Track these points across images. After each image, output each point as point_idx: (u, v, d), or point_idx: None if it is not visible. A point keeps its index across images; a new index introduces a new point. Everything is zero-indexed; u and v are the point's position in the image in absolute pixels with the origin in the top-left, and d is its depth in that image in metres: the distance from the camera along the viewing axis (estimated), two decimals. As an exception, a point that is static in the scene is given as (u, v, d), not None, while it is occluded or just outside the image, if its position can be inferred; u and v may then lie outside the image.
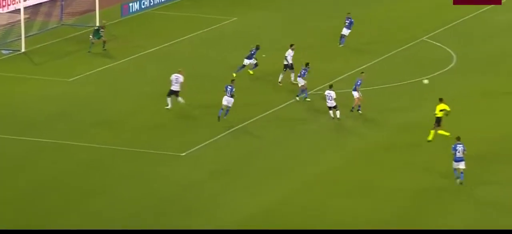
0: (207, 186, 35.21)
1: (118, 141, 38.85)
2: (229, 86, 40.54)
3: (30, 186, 35.10)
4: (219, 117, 40.18)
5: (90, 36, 49.90)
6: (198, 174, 36.10)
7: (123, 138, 39.23)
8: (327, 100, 40.36)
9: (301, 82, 42.66)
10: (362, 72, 42.50)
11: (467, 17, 55.42)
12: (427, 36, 52.22)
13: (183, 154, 37.66)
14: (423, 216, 32.92)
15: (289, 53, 44.80)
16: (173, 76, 42.11)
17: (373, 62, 47.80)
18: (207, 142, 38.59)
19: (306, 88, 42.73)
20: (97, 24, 52.60)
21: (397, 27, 53.32)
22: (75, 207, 33.57)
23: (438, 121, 37.98)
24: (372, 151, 37.81)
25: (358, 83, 41.16)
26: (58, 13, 54.85)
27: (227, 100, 40.29)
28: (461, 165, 34.43)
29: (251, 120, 40.86)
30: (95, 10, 54.06)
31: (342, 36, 49.94)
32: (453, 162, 34.60)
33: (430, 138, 37.97)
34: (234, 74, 44.79)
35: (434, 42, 51.42)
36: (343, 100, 41.97)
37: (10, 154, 37.88)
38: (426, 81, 42.34)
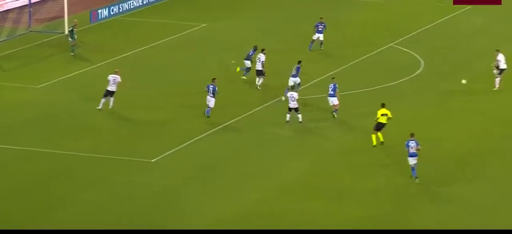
0: (177, 192, 34.80)
1: (87, 147, 38.34)
2: (211, 86, 40.58)
3: (5, 192, 34.46)
4: (207, 116, 40.63)
5: (69, 39, 49.24)
6: (167, 180, 35.68)
7: (91, 144, 38.72)
8: (290, 102, 40.07)
9: (294, 81, 42.41)
10: (333, 78, 42.37)
11: (435, 23, 55.56)
12: (395, 42, 52.24)
13: (153, 161, 37.24)
14: (397, 216, 32.78)
15: (261, 58, 44.48)
16: (110, 77, 41.90)
17: (341, 67, 47.66)
18: (178, 148, 38.21)
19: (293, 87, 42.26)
20: (66, 31, 52.10)
21: (365, 34, 53.30)
22: (43, 215, 32.99)
23: (379, 126, 38.06)
24: (344, 154, 37.63)
25: (334, 88, 40.94)
26: (26, 20, 54.27)
27: (208, 100, 40.55)
28: (413, 161, 34.86)
29: (223, 125, 40.55)
30: (63, 16, 53.56)
31: (312, 41, 49.78)
32: (409, 158, 34.90)
33: (374, 143, 38.09)
34: (244, 77, 45.08)
35: (402, 48, 51.44)
36: (319, 104, 41.74)
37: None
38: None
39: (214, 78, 41.25)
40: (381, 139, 38.16)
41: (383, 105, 38.66)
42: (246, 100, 43.02)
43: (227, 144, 38.95)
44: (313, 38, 49.79)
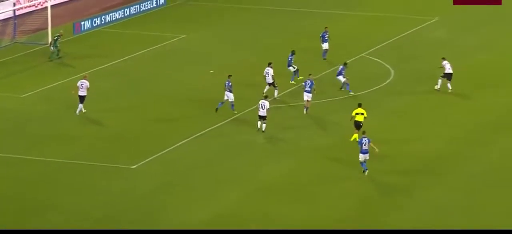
0: (155, 198, 35.25)
1: (69, 154, 38.71)
2: (227, 82, 41.91)
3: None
4: (217, 109, 41.92)
5: (51, 48, 49.70)
6: (147, 186, 36.17)
7: (73, 151, 39.10)
8: (260, 109, 40.48)
9: (342, 79, 44.59)
10: (310, 74, 42.89)
11: (405, 33, 56.30)
12: (366, 52, 52.96)
13: (134, 167, 37.72)
14: (367, 216, 33.35)
15: (268, 72, 44.79)
16: (79, 83, 42.53)
17: (314, 77, 48.38)
18: (158, 154, 38.68)
19: (348, 83, 44.61)
20: (49, 42, 52.55)
21: (337, 43, 54.01)
22: (27, 220, 33.13)
23: (357, 124, 39.34)
24: (316, 159, 38.26)
25: (311, 85, 42.25)
26: (11, 31, 54.56)
27: (227, 95, 41.73)
28: (367, 157, 36.43)
29: (201, 132, 41.08)
30: (47, 28, 53.93)
31: (325, 50, 49.82)
32: (360, 155, 36.38)
33: (351, 139, 39.37)
34: (293, 82, 46.29)
35: (373, 58, 52.17)
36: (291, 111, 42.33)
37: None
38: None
39: (230, 75, 42.27)
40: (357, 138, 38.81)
41: (359, 105, 39.90)
42: (222, 109, 43.54)
43: (205, 150, 39.49)
44: (323, 48, 49.96)
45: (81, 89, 42.51)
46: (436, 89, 45.82)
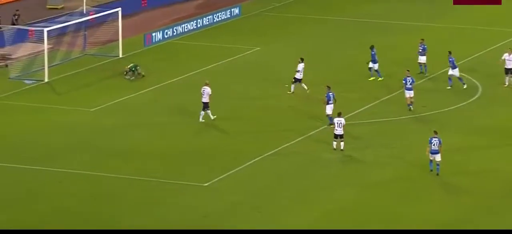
0: (228, 217, 35.79)
1: (138, 170, 39.37)
2: (330, 93, 43.10)
3: (47, 215, 35.58)
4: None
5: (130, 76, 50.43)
6: (220, 204, 36.72)
7: (143, 167, 39.77)
8: (336, 128, 40.78)
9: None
10: (328, 87, 43.69)
11: (493, 47, 55.81)
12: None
13: (206, 184, 38.37)
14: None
15: (299, 67, 46.88)
16: (201, 89, 43.94)
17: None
18: (231, 172, 39.15)
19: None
20: (121, 54, 53.68)
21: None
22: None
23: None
24: (393, 180, 38.41)
25: (411, 81, 45.10)
26: (81, 43, 55.79)
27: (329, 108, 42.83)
28: (437, 157, 37.75)
29: (276, 150, 41.56)
30: (118, 39, 55.15)
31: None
32: (430, 155, 37.79)
33: None
34: (380, 78, 48.91)
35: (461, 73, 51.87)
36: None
37: (30, 182, 38.53)
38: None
39: (329, 86, 43.43)
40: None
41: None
42: (296, 125, 43.95)
43: (278, 168, 39.88)
44: (420, 61, 50.34)
45: (203, 96, 43.61)
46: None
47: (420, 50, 50.76)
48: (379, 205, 36.44)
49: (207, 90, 44.09)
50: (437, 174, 38.05)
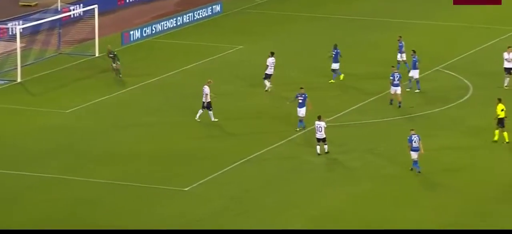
0: (210, 223, 35.39)
1: (116, 175, 39.04)
2: (301, 95, 42.60)
3: (23, 223, 35.22)
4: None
5: (113, 64, 49.89)
6: (202, 210, 36.29)
7: (121, 172, 39.45)
8: (317, 132, 40.42)
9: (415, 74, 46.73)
10: (301, 88, 43.33)
11: (485, 45, 55.69)
12: (441, 65, 52.46)
13: (187, 189, 37.88)
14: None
15: (269, 61, 47.14)
16: (203, 88, 43.70)
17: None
18: (212, 176, 38.77)
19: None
20: (97, 53, 53.20)
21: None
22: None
23: (501, 121, 41.44)
24: (384, 182, 38.13)
25: (398, 77, 45.31)
26: (56, 41, 55.28)
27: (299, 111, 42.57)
28: (415, 155, 38.15)
29: (257, 153, 41.13)
30: (94, 38, 54.56)
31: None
32: (411, 153, 38.17)
33: (496, 138, 41.25)
34: (332, 81, 48.34)
35: (449, 72, 51.62)
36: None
37: (5, 188, 38.07)
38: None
39: (302, 87, 42.97)
40: (506, 139, 40.87)
41: (499, 101, 41.49)
42: (279, 128, 43.56)
43: (262, 172, 39.48)
44: (398, 59, 50.26)
45: (203, 96, 43.66)
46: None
47: (399, 47, 50.26)
48: (368, 210, 36.10)
49: (205, 90, 43.70)
50: (419, 172, 38.11)
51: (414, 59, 47.67)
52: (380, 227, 34.63)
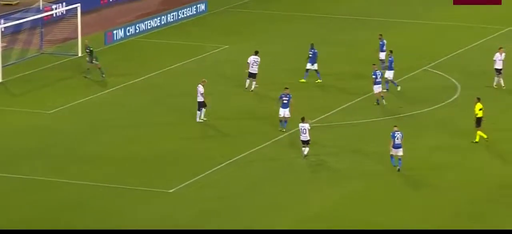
0: (196, 224, 35.25)
1: (99, 177, 38.87)
2: (285, 95, 42.41)
3: (5, 225, 35.04)
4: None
5: (94, 62, 49.67)
6: (186, 212, 36.15)
7: (104, 173, 39.28)
8: (301, 134, 40.22)
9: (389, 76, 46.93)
10: (286, 88, 43.22)
11: (473, 44, 55.79)
12: (429, 65, 52.51)
13: (171, 191, 37.74)
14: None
15: (251, 59, 47.21)
16: (197, 87, 43.58)
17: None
18: (197, 178, 38.65)
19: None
20: (80, 53, 52.98)
21: (397, 54, 53.66)
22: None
23: (478, 121, 41.45)
24: (373, 184, 38.09)
25: (380, 75, 45.70)
26: (37, 41, 55.08)
27: (283, 112, 42.42)
28: (399, 152, 38.45)
29: (243, 154, 41.03)
30: (77, 37, 54.35)
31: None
32: (392, 149, 38.39)
33: (477, 140, 41.35)
34: (302, 80, 48.13)
35: (437, 72, 51.65)
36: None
37: (-14, 191, 37.98)
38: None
39: (287, 88, 42.86)
40: (484, 136, 40.94)
41: (478, 100, 41.52)
42: (264, 128, 43.47)
43: (247, 174, 39.38)
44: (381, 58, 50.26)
45: (198, 95, 43.51)
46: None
47: (380, 45, 50.24)
48: (356, 211, 36.11)
49: (199, 89, 43.59)
50: (399, 170, 38.35)
51: (390, 59, 47.66)
52: (368, 227, 34.63)
